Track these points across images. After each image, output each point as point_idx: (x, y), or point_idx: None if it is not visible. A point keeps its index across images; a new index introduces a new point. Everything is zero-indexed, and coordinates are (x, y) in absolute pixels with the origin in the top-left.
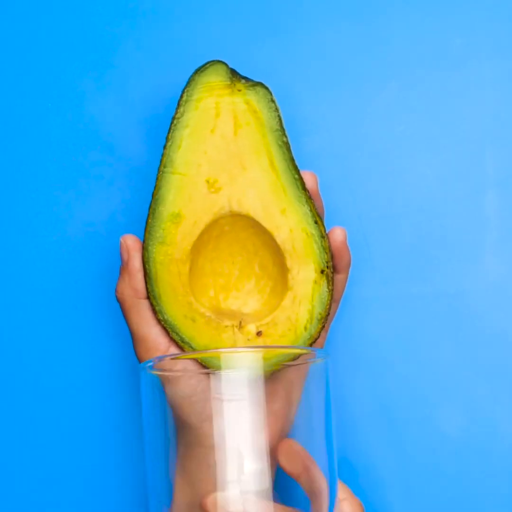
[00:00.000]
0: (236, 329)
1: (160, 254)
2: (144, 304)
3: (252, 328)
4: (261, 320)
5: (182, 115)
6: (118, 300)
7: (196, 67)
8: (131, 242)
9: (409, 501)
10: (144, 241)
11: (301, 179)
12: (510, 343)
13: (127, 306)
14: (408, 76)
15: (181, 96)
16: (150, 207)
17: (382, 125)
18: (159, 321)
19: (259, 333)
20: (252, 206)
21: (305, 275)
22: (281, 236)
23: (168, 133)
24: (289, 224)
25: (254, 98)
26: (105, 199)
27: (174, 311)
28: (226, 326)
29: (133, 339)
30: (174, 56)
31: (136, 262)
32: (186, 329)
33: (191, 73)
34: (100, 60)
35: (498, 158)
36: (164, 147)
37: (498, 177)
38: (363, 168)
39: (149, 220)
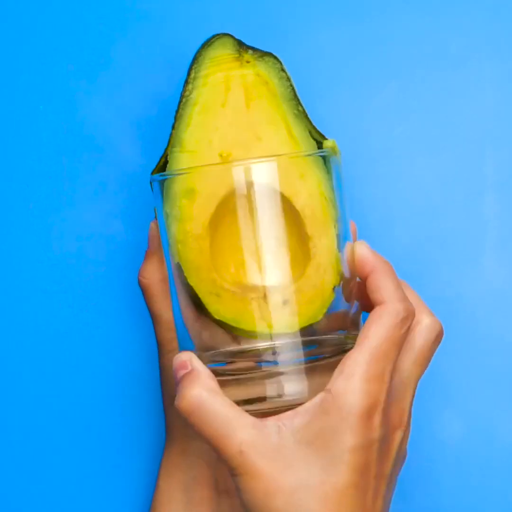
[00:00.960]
0: (261, 301)
1: (179, 233)
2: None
3: (278, 298)
4: (286, 290)
5: (190, 92)
6: (141, 284)
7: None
8: (154, 226)
9: (406, 510)
10: (162, 226)
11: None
12: (510, 349)
13: (153, 290)
14: (407, 77)
15: (189, 73)
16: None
17: (380, 127)
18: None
19: (285, 302)
20: (270, 173)
21: (327, 241)
22: (300, 202)
23: (176, 112)
24: (308, 189)
25: (264, 69)
26: (97, 203)
27: (199, 288)
28: (252, 299)
29: (157, 322)
30: (168, 56)
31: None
32: (212, 305)
33: (183, 75)
34: (92, 61)
35: (498, 160)
36: (172, 127)
37: (497, 179)
38: (361, 170)
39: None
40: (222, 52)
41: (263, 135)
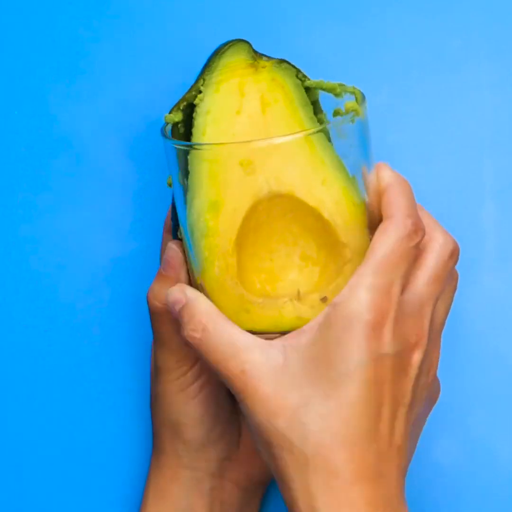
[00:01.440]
0: (295, 302)
1: (205, 249)
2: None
3: (315, 296)
4: (324, 288)
5: (201, 100)
6: (151, 305)
7: (175, 70)
8: (175, 247)
9: None
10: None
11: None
12: (510, 367)
13: (159, 311)
14: (401, 81)
15: (198, 81)
16: (173, 204)
17: (374, 132)
18: None
19: (324, 299)
20: (292, 181)
21: (362, 244)
22: (328, 211)
23: (191, 122)
24: (333, 196)
25: (280, 74)
26: (76, 212)
27: (225, 307)
28: (285, 302)
29: (161, 345)
30: (150, 60)
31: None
32: (242, 322)
33: (168, 77)
34: (70, 64)
35: (497, 167)
36: (189, 136)
37: (497, 188)
38: None
39: (186, 217)
40: (236, 58)
41: (281, 141)
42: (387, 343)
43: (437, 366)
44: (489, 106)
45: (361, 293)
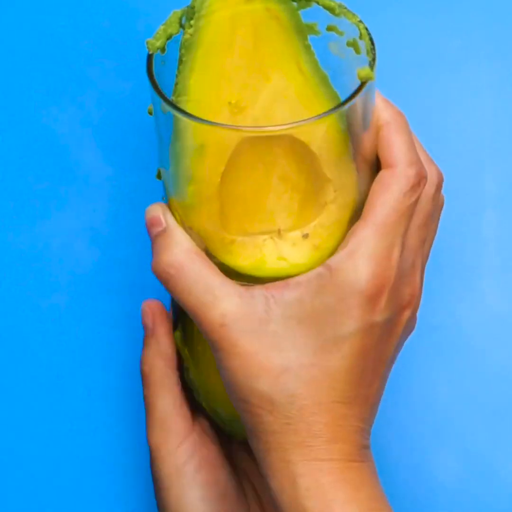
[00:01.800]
0: (276, 239)
1: (189, 196)
2: (172, 378)
3: (296, 233)
4: (306, 225)
5: (191, 35)
6: (143, 373)
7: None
8: (155, 306)
9: None
10: (166, 196)
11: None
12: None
13: (152, 379)
14: (397, 82)
15: (188, 13)
16: (159, 151)
17: None
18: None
19: (305, 236)
20: (282, 120)
21: (348, 181)
22: (317, 144)
23: (179, 58)
24: (322, 129)
25: (275, 1)
26: (60, 219)
27: (207, 249)
28: (265, 240)
29: (149, 415)
30: (135, 56)
31: (162, 327)
32: (228, 262)
33: (144, 78)
34: (52, 63)
35: (498, 172)
36: (176, 74)
37: (498, 194)
38: None
39: (170, 168)
40: None
41: (272, 75)
42: (381, 312)
43: (419, 302)
44: (489, 109)
45: (360, 261)
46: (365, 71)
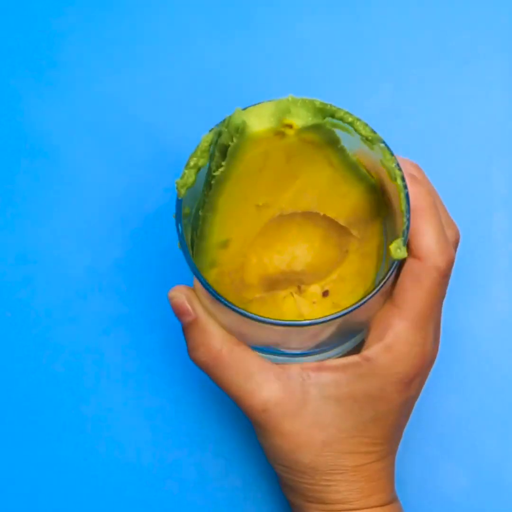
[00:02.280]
0: (296, 295)
1: (212, 275)
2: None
3: (315, 289)
4: (323, 279)
5: (223, 173)
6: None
7: (148, 64)
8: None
9: None
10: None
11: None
12: None
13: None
14: (403, 77)
15: (219, 138)
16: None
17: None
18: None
19: (325, 293)
20: (309, 203)
21: (369, 233)
22: (345, 219)
23: (205, 180)
24: (351, 205)
25: (309, 131)
26: (47, 218)
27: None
28: (284, 297)
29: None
30: (123, 53)
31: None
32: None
33: (144, 71)
34: (41, 60)
35: (508, 173)
36: (202, 191)
37: (508, 195)
38: None
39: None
40: (261, 128)
41: (301, 175)
42: (415, 388)
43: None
44: (499, 105)
45: (400, 357)
46: (401, 253)
